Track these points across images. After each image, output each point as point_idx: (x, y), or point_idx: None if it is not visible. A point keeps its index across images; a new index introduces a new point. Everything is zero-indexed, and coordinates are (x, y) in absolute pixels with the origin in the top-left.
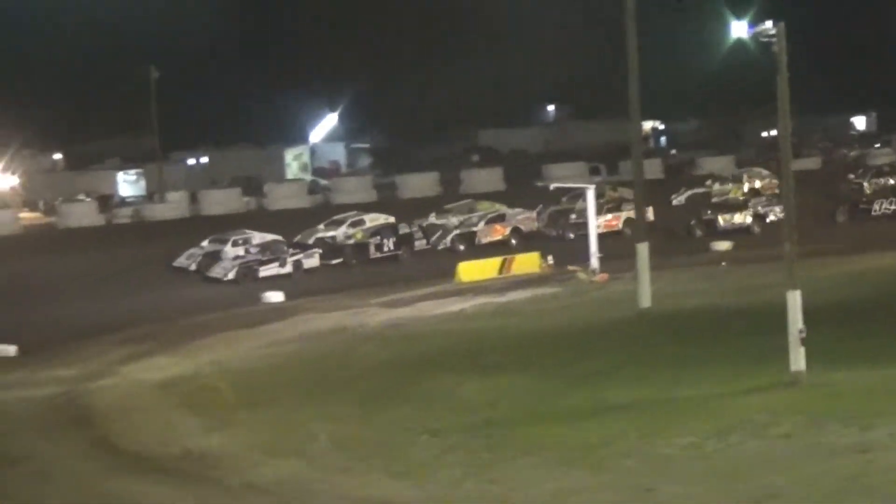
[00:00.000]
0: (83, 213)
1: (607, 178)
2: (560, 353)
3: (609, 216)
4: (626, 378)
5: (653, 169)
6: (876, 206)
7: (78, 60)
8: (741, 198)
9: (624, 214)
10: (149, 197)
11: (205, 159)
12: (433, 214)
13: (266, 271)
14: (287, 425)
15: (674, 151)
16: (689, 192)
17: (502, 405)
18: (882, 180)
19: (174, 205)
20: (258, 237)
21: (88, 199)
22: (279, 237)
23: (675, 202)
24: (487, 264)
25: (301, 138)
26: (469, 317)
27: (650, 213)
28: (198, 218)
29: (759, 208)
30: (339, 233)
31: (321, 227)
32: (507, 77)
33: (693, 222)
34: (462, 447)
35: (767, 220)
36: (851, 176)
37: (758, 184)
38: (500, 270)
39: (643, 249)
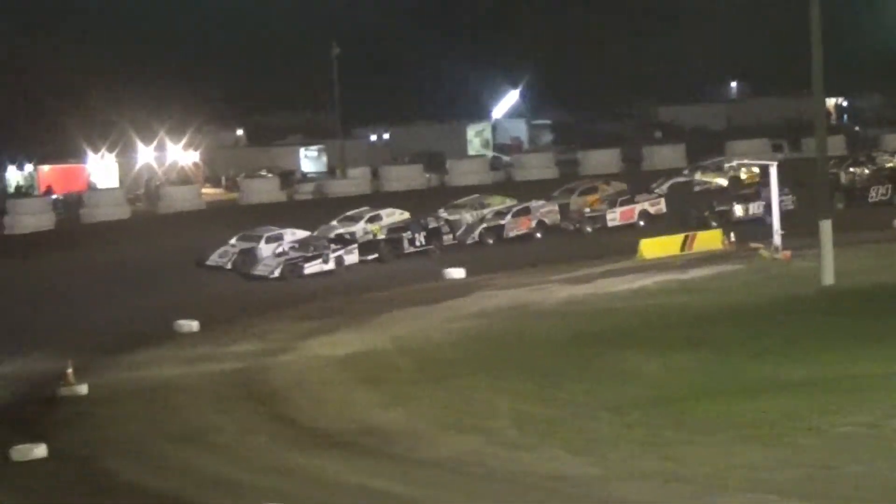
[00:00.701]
0: (265, 189)
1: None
2: (741, 330)
3: (624, 208)
4: (806, 354)
5: (836, 146)
6: (872, 193)
7: (261, 36)
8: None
9: (638, 207)
10: (330, 173)
11: (386, 135)
12: (442, 210)
13: (311, 268)
14: (467, 401)
15: (857, 128)
16: (671, 182)
17: (682, 381)
18: (858, 169)
19: (355, 181)
20: (290, 234)
21: (270, 175)
22: (313, 233)
23: (656, 191)
24: (669, 241)
25: (483, 114)
26: (650, 293)
27: (662, 204)
28: (379, 194)
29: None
30: (358, 228)
31: (335, 223)
32: (688, 53)
33: (707, 213)
34: (641, 424)
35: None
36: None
37: (743, 174)
38: (682, 247)
39: (826, 226)
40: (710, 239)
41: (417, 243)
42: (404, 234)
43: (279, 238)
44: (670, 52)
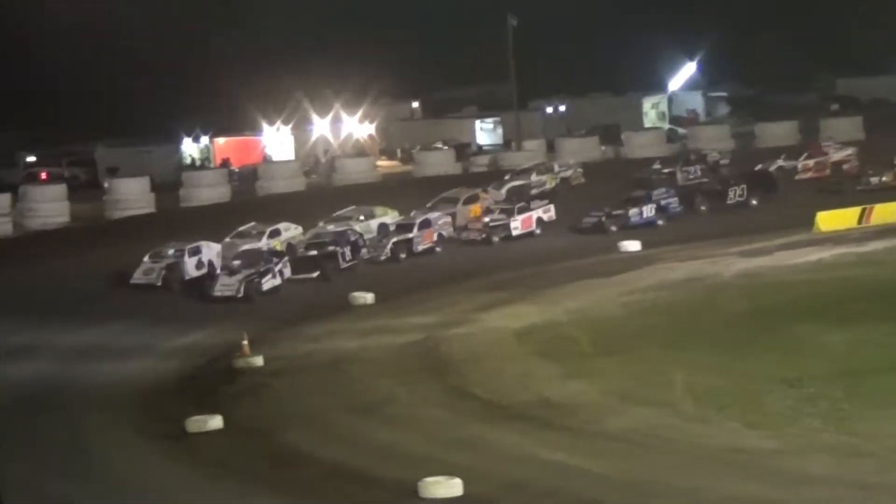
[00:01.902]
0: (440, 162)
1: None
2: None
3: (524, 216)
4: None
5: None
6: (731, 194)
7: (437, 8)
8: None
9: (535, 214)
10: (506, 145)
11: (562, 108)
12: (321, 223)
13: (266, 283)
14: (644, 374)
15: None
16: (511, 184)
17: (864, 355)
18: (692, 168)
19: (531, 153)
20: (205, 246)
21: (445, 148)
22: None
23: (492, 193)
24: (846, 214)
25: (659, 86)
26: (828, 266)
27: (553, 211)
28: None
29: (661, 201)
30: (262, 244)
31: (229, 239)
32: (868, 25)
33: (603, 217)
34: (821, 398)
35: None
36: (657, 166)
37: (569, 173)
38: (860, 220)
39: None
40: (888, 211)
41: (346, 258)
42: (337, 249)
43: (197, 251)
44: (850, 24)
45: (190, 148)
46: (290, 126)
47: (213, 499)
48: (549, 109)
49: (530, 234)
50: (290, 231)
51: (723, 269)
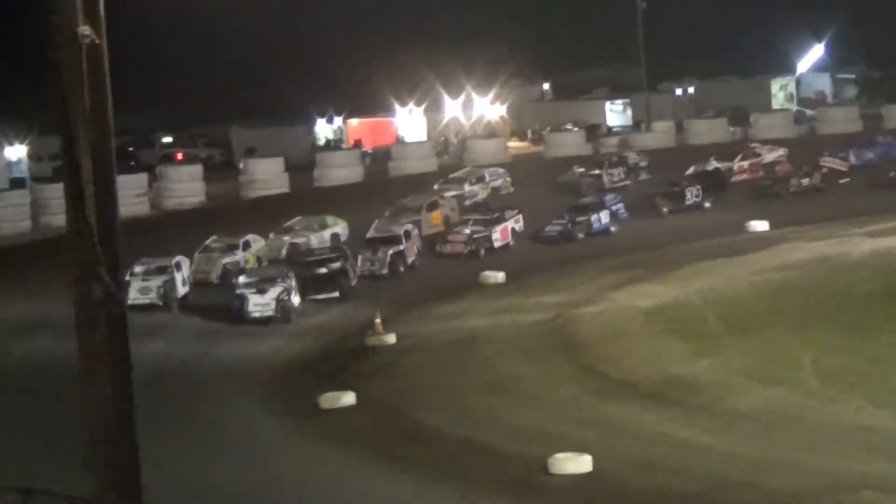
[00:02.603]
0: (570, 142)
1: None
2: None
3: (501, 226)
4: None
5: None
6: (688, 195)
7: None
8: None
9: (509, 225)
10: (635, 126)
11: (691, 89)
12: (273, 234)
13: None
14: (771, 353)
15: None
16: (454, 193)
17: None
18: (616, 170)
19: (660, 134)
20: (184, 260)
21: (576, 129)
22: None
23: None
24: None
25: (787, 68)
26: None
27: (521, 221)
28: (682, 147)
29: (612, 207)
30: (239, 257)
31: (198, 254)
32: None
33: (570, 225)
34: None
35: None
36: (578, 168)
37: (499, 182)
38: None
39: None
40: None
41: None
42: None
43: (180, 266)
44: None
45: (324, 129)
46: (422, 108)
47: (346, 473)
48: (679, 91)
49: (506, 246)
50: (260, 243)
51: (850, 249)
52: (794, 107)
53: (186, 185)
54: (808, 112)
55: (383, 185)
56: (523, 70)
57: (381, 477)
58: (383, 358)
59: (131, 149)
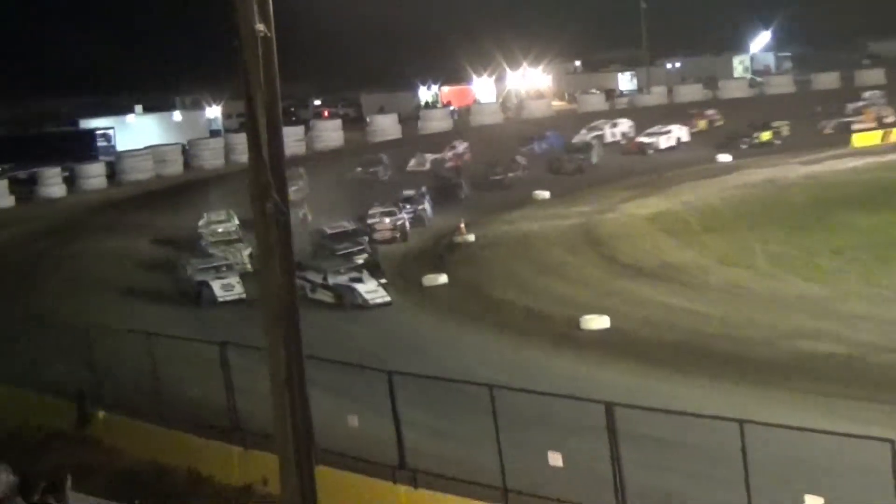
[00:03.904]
0: (594, 102)
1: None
2: None
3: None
4: None
5: None
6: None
7: None
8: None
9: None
10: (639, 90)
11: (678, 64)
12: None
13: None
14: (734, 245)
15: None
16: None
17: (888, 233)
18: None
19: (656, 96)
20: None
21: (598, 92)
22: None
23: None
24: (873, 135)
25: (744, 48)
26: (868, 169)
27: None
28: (671, 105)
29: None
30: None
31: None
32: None
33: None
34: (857, 260)
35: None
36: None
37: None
38: (882, 139)
39: None
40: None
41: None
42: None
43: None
44: None
45: (424, 94)
46: (493, 78)
47: (443, 330)
48: (669, 66)
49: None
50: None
51: (788, 173)
52: (748, 75)
53: (330, 134)
54: (758, 79)
55: (466, 131)
56: (562, 51)
57: (465, 330)
58: (467, 251)
59: (292, 108)
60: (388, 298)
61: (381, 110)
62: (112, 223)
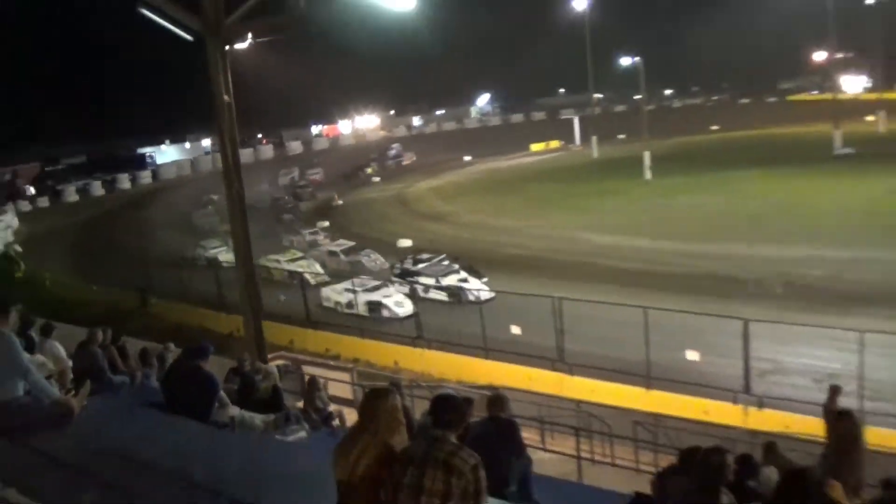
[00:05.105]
0: (400, 131)
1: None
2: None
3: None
4: None
5: None
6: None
7: None
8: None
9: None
10: (423, 125)
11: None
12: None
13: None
14: (474, 204)
15: None
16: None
17: (544, 194)
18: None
19: (431, 128)
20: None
21: (401, 126)
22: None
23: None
24: (543, 146)
25: (473, 101)
26: (526, 165)
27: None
28: (435, 133)
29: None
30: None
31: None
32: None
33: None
34: (531, 207)
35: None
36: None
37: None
38: (545, 146)
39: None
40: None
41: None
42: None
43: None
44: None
45: (315, 129)
46: (348, 120)
47: None
48: (440, 111)
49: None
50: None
51: (501, 165)
52: (479, 115)
53: (267, 152)
54: (483, 118)
55: (334, 150)
56: (384, 104)
57: None
58: (339, 209)
59: (245, 138)
60: (493, 294)
61: (294, 139)
62: (155, 200)
